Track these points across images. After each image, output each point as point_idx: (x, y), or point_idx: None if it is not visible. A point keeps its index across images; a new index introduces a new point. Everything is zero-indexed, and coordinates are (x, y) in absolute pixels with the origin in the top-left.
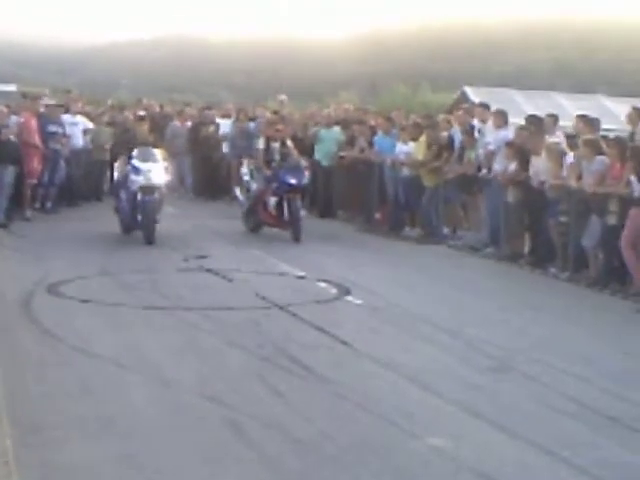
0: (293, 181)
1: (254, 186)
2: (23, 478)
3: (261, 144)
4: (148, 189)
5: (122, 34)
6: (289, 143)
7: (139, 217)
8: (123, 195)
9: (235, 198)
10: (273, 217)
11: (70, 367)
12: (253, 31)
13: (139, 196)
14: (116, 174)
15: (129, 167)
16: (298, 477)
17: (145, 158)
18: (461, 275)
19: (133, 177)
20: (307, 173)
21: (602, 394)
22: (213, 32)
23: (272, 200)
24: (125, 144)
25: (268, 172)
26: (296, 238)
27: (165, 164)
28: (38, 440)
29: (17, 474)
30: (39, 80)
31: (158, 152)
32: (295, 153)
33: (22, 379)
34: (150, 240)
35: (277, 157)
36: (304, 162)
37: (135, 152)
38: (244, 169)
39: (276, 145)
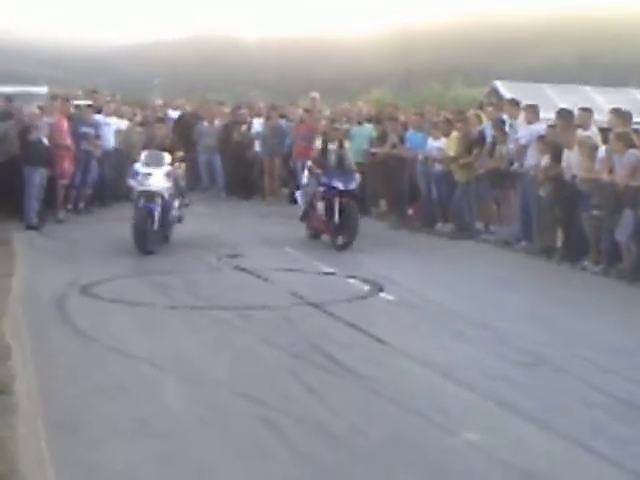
0: (340, 185)
1: (309, 189)
2: (59, 479)
3: (317, 144)
4: (147, 195)
5: (154, 34)
6: (347, 145)
7: (138, 225)
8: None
9: (295, 201)
10: (323, 222)
11: (105, 367)
12: (284, 29)
13: (140, 202)
14: None
15: (131, 171)
16: (333, 473)
17: (149, 162)
18: (494, 270)
19: (131, 182)
20: (358, 177)
21: (635, 387)
22: (244, 31)
23: (320, 204)
24: (143, 147)
25: (318, 170)
26: (344, 245)
27: (170, 169)
28: (73, 441)
29: (53, 475)
30: (71, 81)
31: (166, 156)
32: (349, 156)
33: (57, 380)
34: (143, 251)
35: (333, 158)
36: (354, 165)
37: (143, 155)
38: (306, 170)
39: (333, 146)
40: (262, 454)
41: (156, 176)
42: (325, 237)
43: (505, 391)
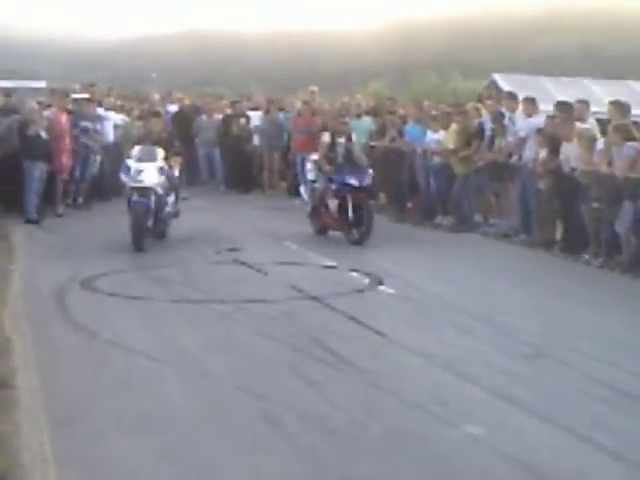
0: (354, 181)
1: (317, 185)
2: (60, 473)
3: (326, 139)
4: (141, 191)
5: (151, 28)
6: (354, 139)
7: (131, 220)
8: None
9: (299, 197)
10: (335, 220)
11: (105, 362)
12: (282, 22)
13: (133, 197)
14: None
15: (123, 166)
16: (334, 468)
17: (142, 157)
18: (494, 263)
19: (123, 177)
20: (370, 172)
21: (635, 379)
22: (242, 24)
23: (333, 202)
24: (138, 142)
25: (328, 167)
26: (360, 241)
27: (163, 164)
28: (75, 435)
29: (55, 469)
30: (68, 76)
31: (159, 151)
32: (358, 150)
33: (58, 374)
34: (138, 247)
35: (341, 154)
36: (365, 160)
37: (135, 150)
38: (309, 166)
39: (342, 141)
40: (262, 448)
41: (148, 171)
42: (333, 233)
43: (506, 384)
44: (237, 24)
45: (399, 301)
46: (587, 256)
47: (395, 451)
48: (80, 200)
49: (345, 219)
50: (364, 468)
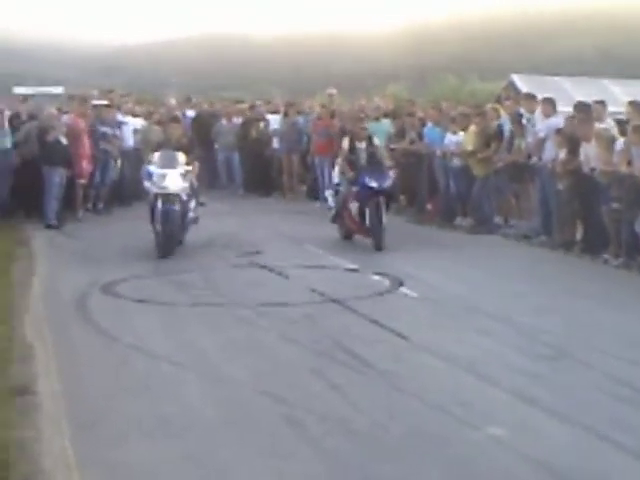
0: (374, 184)
1: (341, 189)
2: (82, 478)
3: (345, 144)
4: (166, 197)
5: (168, 32)
6: (376, 141)
7: (157, 228)
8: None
9: (319, 200)
10: (356, 223)
11: (126, 366)
12: (300, 26)
13: (158, 204)
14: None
15: (144, 172)
16: (357, 470)
17: (164, 163)
18: (514, 264)
19: (147, 184)
20: (392, 175)
21: None
22: (260, 29)
23: (354, 205)
24: (157, 147)
25: (350, 173)
26: (377, 247)
27: (185, 169)
28: (96, 440)
29: (76, 474)
30: (86, 81)
31: (180, 156)
32: (381, 152)
33: (79, 379)
34: (165, 254)
35: (363, 157)
36: (389, 162)
37: (156, 156)
38: (335, 170)
39: (362, 145)
40: (284, 451)
41: (172, 177)
42: (358, 238)
43: (527, 385)
44: (253, 28)
45: (420, 303)
46: (607, 256)
47: (417, 453)
48: (100, 205)
49: (365, 223)
50: (386, 470)
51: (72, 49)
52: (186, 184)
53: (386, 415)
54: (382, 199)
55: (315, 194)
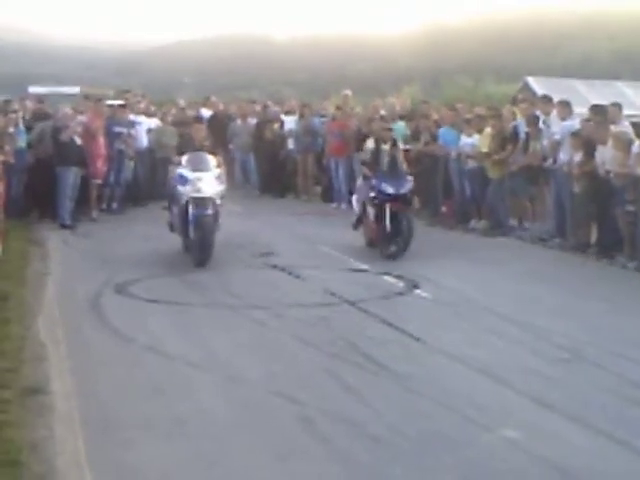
0: (390, 190)
1: (362, 194)
2: (95, 478)
3: (370, 145)
4: (200, 201)
5: (184, 33)
6: (400, 145)
7: (191, 234)
8: (175, 209)
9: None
10: (373, 230)
11: (140, 366)
12: (315, 28)
13: (191, 209)
14: (168, 184)
15: (177, 176)
16: (370, 472)
17: (195, 166)
18: (529, 266)
19: (180, 188)
20: (410, 181)
21: None
22: (275, 30)
23: (371, 210)
24: (179, 149)
25: (369, 174)
26: (394, 255)
27: (218, 172)
28: (109, 440)
29: (89, 474)
30: (101, 81)
31: (211, 159)
32: (401, 157)
33: (92, 379)
34: (203, 263)
35: (386, 160)
36: (406, 168)
37: (185, 159)
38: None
39: (386, 147)
40: (298, 453)
41: (207, 181)
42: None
43: (542, 388)
44: (268, 29)
45: (434, 305)
46: (622, 259)
47: (431, 455)
48: (114, 205)
49: (383, 229)
50: (400, 471)
51: (88, 50)
52: (221, 187)
53: (400, 417)
54: (400, 205)
55: (330, 196)
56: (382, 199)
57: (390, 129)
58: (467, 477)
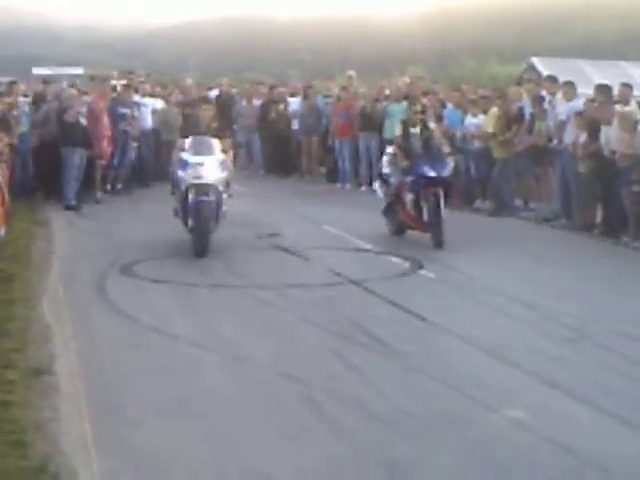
0: (431, 173)
1: (393, 180)
2: (101, 459)
3: (398, 130)
4: (200, 188)
5: (188, 15)
6: (432, 125)
7: (189, 222)
8: (177, 195)
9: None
10: (411, 217)
11: (146, 347)
12: (320, 9)
13: (190, 196)
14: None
15: (178, 161)
16: (376, 451)
17: (198, 150)
18: (534, 247)
19: (180, 173)
20: (451, 162)
21: None
22: (279, 10)
23: (409, 196)
24: (184, 131)
25: (405, 163)
26: (437, 243)
27: (222, 157)
28: (115, 421)
29: (95, 455)
30: (105, 62)
31: (216, 143)
32: (439, 137)
33: (98, 360)
34: (201, 252)
35: (418, 145)
36: (447, 149)
37: (188, 142)
38: (384, 159)
39: (416, 131)
40: (304, 433)
41: (209, 166)
42: (412, 233)
43: (548, 368)
44: (273, 10)
45: (439, 285)
46: (627, 239)
47: (436, 434)
48: (119, 186)
49: (421, 215)
50: (405, 451)
51: (92, 31)
52: (224, 174)
53: (405, 396)
54: (441, 190)
55: (334, 176)
56: (421, 183)
57: (419, 112)
58: (472, 457)
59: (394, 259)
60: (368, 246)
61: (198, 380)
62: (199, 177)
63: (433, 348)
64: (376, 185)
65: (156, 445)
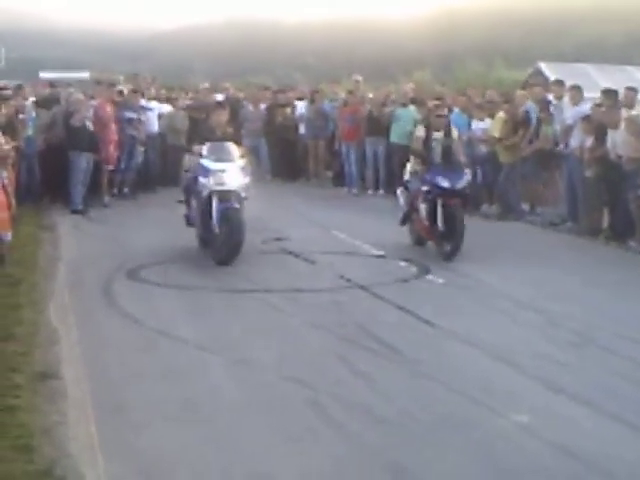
0: (445, 184)
1: (411, 187)
2: (108, 462)
3: (420, 133)
4: (225, 195)
5: (195, 18)
6: (455, 133)
7: (216, 230)
8: (194, 203)
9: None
10: (425, 227)
11: (152, 350)
12: (325, 12)
13: (215, 204)
14: (184, 175)
15: (198, 167)
16: (381, 455)
17: (218, 156)
18: (540, 251)
19: (202, 180)
20: (468, 174)
21: None
22: (285, 14)
23: (422, 206)
24: (198, 137)
25: (421, 168)
26: (447, 256)
27: (243, 163)
28: (121, 423)
29: (102, 458)
30: (111, 66)
31: (235, 148)
32: (458, 147)
33: (104, 364)
34: (228, 261)
35: (438, 150)
36: (464, 159)
37: (206, 148)
38: (408, 166)
39: (439, 135)
40: (310, 437)
41: (231, 172)
42: (430, 244)
43: (554, 372)
44: (279, 14)
45: (446, 290)
46: (634, 244)
47: (442, 439)
48: (126, 190)
49: (435, 227)
50: (410, 455)
51: (96, 34)
52: (246, 180)
53: (411, 400)
54: (458, 201)
55: (341, 180)
56: (436, 193)
57: (444, 115)
58: (477, 460)
59: (402, 264)
60: (376, 251)
61: (204, 383)
62: (222, 184)
63: (439, 352)
64: (398, 192)
65: (161, 448)
